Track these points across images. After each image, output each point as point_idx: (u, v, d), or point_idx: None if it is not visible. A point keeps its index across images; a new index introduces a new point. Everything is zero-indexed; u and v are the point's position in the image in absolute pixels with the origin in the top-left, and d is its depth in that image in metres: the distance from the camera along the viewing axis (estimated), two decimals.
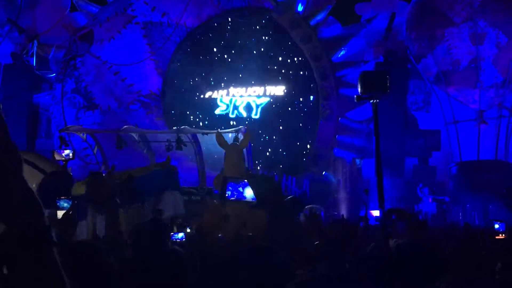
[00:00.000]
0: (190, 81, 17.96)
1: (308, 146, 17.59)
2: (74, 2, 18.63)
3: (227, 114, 17.66)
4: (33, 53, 17.11)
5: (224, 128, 14.98)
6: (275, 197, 2.39)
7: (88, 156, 16.62)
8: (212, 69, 17.91)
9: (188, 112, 17.81)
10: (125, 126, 15.78)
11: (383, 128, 18.42)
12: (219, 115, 17.67)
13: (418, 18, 17.39)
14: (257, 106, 17.62)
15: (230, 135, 13.81)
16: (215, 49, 17.98)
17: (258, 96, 17.66)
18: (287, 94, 17.76)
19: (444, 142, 17.65)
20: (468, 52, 16.83)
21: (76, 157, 13.59)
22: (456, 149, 17.36)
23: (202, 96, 17.89)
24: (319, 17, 17.94)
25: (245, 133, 13.26)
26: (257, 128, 17.24)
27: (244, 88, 17.74)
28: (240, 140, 12.45)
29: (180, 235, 5.58)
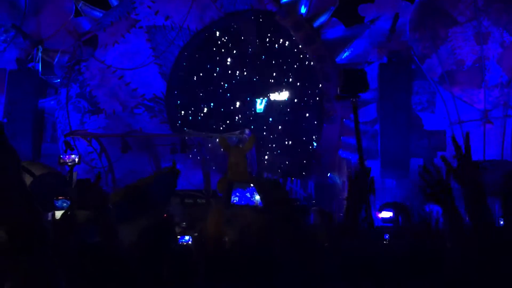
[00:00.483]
0: (194, 84, 18.00)
1: (313, 148, 17.56)
2: (78, 7, 18.73)
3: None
4: (38, 58, 17.19)
5: (231, 131, 15.01)
6: (282, 203, 2.37)
7: (93, 160, 16.70)
8: (216, 72, 17.93)
9: (191, 116, 17.84)
10: (129, 130, 15.85)
11: (388, 129, 18.42)
12: (224, 117, 17.70)
13: (421, 18, 17.36)
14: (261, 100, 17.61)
15: (234, 138, 13.82)
16: (218, 52, 18.01)
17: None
18: (290, 96, 17.76)
19: (449, 142, 17.59)
20: (473, 52, 16.78)
21: (81, 161, 13.66)
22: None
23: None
24: (322, 18, 17.94)
25: (249, 136, 13.27)
26: (261, 130, 17.24)
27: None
28: (244, 143, 12.45)
29: (187, 237, 5.59)
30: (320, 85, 17.65)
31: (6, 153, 1.31)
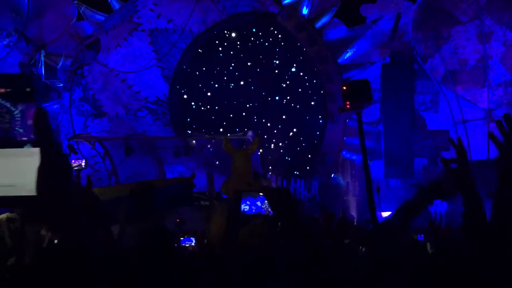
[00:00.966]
0: (196, 87, 18.03)
1: (316, 149, 17.55)
2: (80, 11, 18.76)
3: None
4: (40, 62, 17.22)
5: (234, 133, 15.00)
6: (292, 212, 2.35)
7: (97, 163, 16.71)
8: (218, 73, 17.95)
9: (195, 118, 17.85)
10: (133, 133, 15.87)
11: (391, 129, 18.37)
12: (227, 119, 17.70)
13: (423, 18, 17.33)
14: None
15: (237, 139, 13.81)
16: (220, 54, 18.02)
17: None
18: (293, 96, 17.75)
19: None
20: (475, 51, 16.74)
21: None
22: (465, 149, 17.24)
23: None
24: (324, 19, 17.92)
25: (253, 138, 13.24)
26: (264, 131, 17.23)
27: None
28: (248, 146, 12.43)
29: (192, 240, 5.58)
30: (323, 85, 17.64)
31: (57, 161, 1.33)
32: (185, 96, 18.05)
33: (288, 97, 17.82)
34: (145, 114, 17.56)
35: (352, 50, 18.23)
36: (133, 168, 15.83)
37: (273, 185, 15.02)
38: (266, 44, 17.95)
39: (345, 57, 18.26)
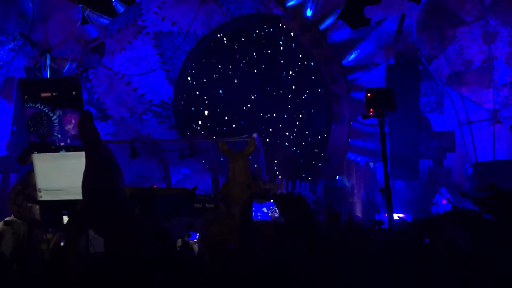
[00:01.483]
0: (201, 89, 18.05)
1: (321, 151, 17.52)
2: (85, 15, 18.84)
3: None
4: (46, 66, 17.28)
5: (239, 135, 14.99)
6: (306, 221, 2.33)
7: None
8: (223, 76, 17.97)
9: (200, 120, 17.87)
10: (138, 136, 15.88)
11: (397, 131, 18.30)
12: (232, 122, 17.70)
13: (428, 19, 17.29)
14: None
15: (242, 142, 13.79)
16: (225, 57, 18.04)
17: None
18: (298, 99, 17.74)
19: (458, 143, 17.47)
20: (480, 51, 16.67)
21: None
22: (471, 150, 17.17)
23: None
24: (328, 21, 17.91)
25: (250, 139, 13.17)
26: (269, 133, 17.23)
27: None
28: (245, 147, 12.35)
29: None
30: (328, 87, 17.63)
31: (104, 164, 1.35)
32: (189, 99, 18.07)
33: (292, 100, 17.81)
34: (149, 117, 17.59)
35: (356, 52, 18.21)
36: (138, 170, 15.86)
37: (280, 189, 15.01)
38: (270, 46, 17.94)
39: (350, 59, 18.25)
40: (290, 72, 17.86)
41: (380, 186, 14.63)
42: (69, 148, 1.50)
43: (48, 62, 17.43)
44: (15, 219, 7.44)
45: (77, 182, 1.50)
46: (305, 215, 2.31)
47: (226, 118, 17.82)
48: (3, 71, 17.64)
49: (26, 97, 1.49)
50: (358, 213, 15.52)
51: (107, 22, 18.75)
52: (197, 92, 18.07)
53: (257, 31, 18.00)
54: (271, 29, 17.94)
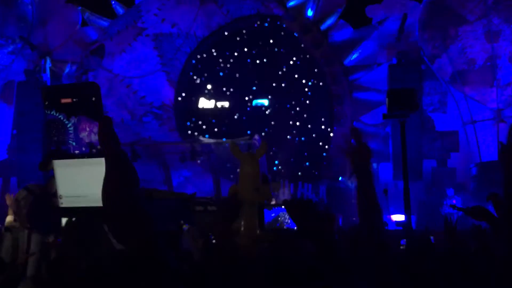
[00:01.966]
0: (202, 91, 17.97)
1: (323, 152, 17.41)
2: (85, 17, 18.77)
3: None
4: (45, 69, 17.22)
5: (241, 137, 14.89)
6: (319, 227, 2.22)
7: None
8: (224, 77, 17.90)
9: (201, 122, 17.78)
10: (138, 139, 15.79)
11: (400, 131, 18.04)
12: (233, 123, 17.61)
13: (430, 18, 17.16)
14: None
15: (242, 143, 13.68)
16: (225, 58, 17.95)
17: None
18: (299, 99, 17.65)
19: (462, 142, 17.32)
20: (483, 50, 16.54)
21: None
22: (475, 150, 17.02)
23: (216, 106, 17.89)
24: (329, 21, 17.81)
25: (260, 143, 13.09)
26: (271, 134, 17.13)
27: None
28: (255, 149, 12.25)
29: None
30: (330, 87, 17.52)
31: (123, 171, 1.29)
32: (190, 101, 17.99)
33: (294, 100, 17.71)
34: (150, 119, 17.51)
35: (358, 52, 18.09)
36: (139, 173, 15.70)
37: (282, 189, 14.89)
38: (271, 47, 17.86)
39: (351, 59, 18.13)
40: (291, 73, 17.77)
41: (382, 186, 14.52)
42: (83, 156, 1.46)
43: (48, 65, 17.37)
44: (14, 223, 7.30)
45: (99, 188, 1.41)
46: (318, 220, 2.21)
47: (226, 120, 17.74)
48: (3, 74, 17.58)
49: (46, 103, 1.43)
50: (361, 214, 15.38)
51: (107, 24, 18.68)
52: (198, 94, 17.99)
53: (257, 31, 17.91)
54: (272, 30, 17.85)
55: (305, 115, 17.64)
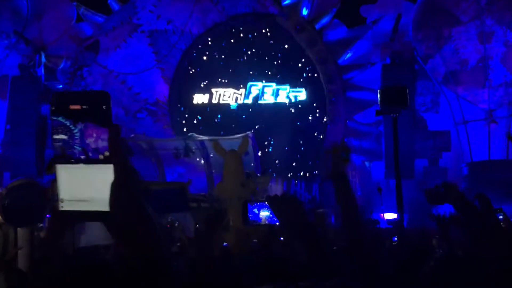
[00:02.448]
0: (197, 88, 18.02)
1: (317, 150, 17.50)
2: (80, 12, 18.71)
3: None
4: (40, 64, 17.18)
5: (234, 135, 14.96)
6: (299, 219, 2.29)
7: None
8: (218, 75, 17.95)
9: (195, 120, 17.83)
10: (133, 135, 15.81)
11: (392, 130, 18.15)
12: (227, 121, 17.66)
13: (424, 18, 17.27)
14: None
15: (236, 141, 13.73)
16: (221, 56, 18.00)
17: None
18: (293, 97, 17.74)
19: (454, 142, 17.47)
20: (476, 51, 16.68)
21: None
22: (466, 150, 17.17)
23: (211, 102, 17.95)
24: (324, 20, 17.89)
25: (243, 138, 13.10)
26: (264, 133, 17.21)
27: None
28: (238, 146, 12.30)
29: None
30: (323, 86, 17.62)
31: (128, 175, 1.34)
32: (185, 98, 18.03)
33: (288, 98, 17.78)
34: (144, 115, 17.53)
35: (352, 51, 18.18)
36: None
37: (272, 182, 14.97)
38: (266, 45, 17.92)
39: (345, 58, 18.23)
40: (286, 71, 17.85)
41: (375, 185, 14.62)
42: (88, 162, 1.50)
43: (42, 60, 17.34)
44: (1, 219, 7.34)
45: (102, 192, 1.47)
46: (300, 215, 2.26)
47: (221, 117, 17.80)
48: None
49: (53, 108, 1.47)
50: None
51: (102, 20, 18.64)
52: (193, 91, 18.03)
53: (252, 29, 17.97)
54: (267, 28, 17.91)
55: (298, 113, 17.72)
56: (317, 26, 17.81)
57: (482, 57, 16.63)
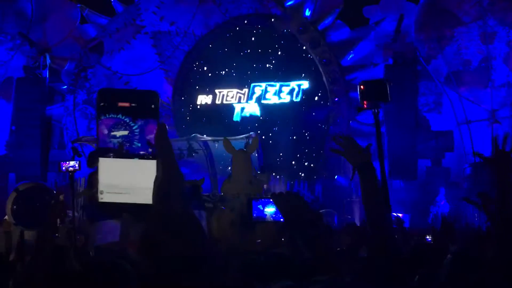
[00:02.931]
0: (200, 89, 18.09)
1: (319, 150, 17.55)
2: (84, 14, 18.84)
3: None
4: (45, 65, 17.30)
5: (238, 135, 15.02)
6: (302, 216, 2.33)
7: None
8: (222, 76, 18.01)
9: (198, 120, 17.89)
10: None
11: (395, 131, 18.35)
12: (231, 121, 17.73)
13: (426, 19, 17.30)
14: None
15: (240, 142, 13.80)
16: (224, 56, 18.07)
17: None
18: (297, 98, 17.80)
19: (457, 143, 17.49)
20: (479, 52, 16.70)
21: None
22: (469, 150, 17.19)
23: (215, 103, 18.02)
24: (327, 21, 17.94)
25: (252, 138, 13.21)
26: (268, 133, 17.27)
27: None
28: (248, 146, 12.38)
29: None
30: (326, 87, 17.67)
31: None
32: (188, 99, 18.11)
33: (290, 99, 17.84)
34: None
35: (354, 52, 18.24)
36: None
37: (275, 182, 15.03)
38: (268, 45, 17.97)
39: (348, 59, 18.27)
40: (288, 72, 17.90)
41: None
42: (142, 157, 1.53)
43: (47, 61, 17.46)
44: (7, 220, 7.42)
45: (142, 185, 1.52)
46: (305, 211, 2.32)
47: (224, 118, 17.87)
48: (1, 70, 17.65)
49: (101, 104, 1.51)
50: (356, 212, 15.53)
51: (106, 21, 18.75)
52: (196, 92, 18.12)
53: (255, 30, 18.03)
54: (270, 29, 17.97)
55: (301, 113, 17.78)
56: (320, 27, 17.87)
57: (485, 58, 16.66)
